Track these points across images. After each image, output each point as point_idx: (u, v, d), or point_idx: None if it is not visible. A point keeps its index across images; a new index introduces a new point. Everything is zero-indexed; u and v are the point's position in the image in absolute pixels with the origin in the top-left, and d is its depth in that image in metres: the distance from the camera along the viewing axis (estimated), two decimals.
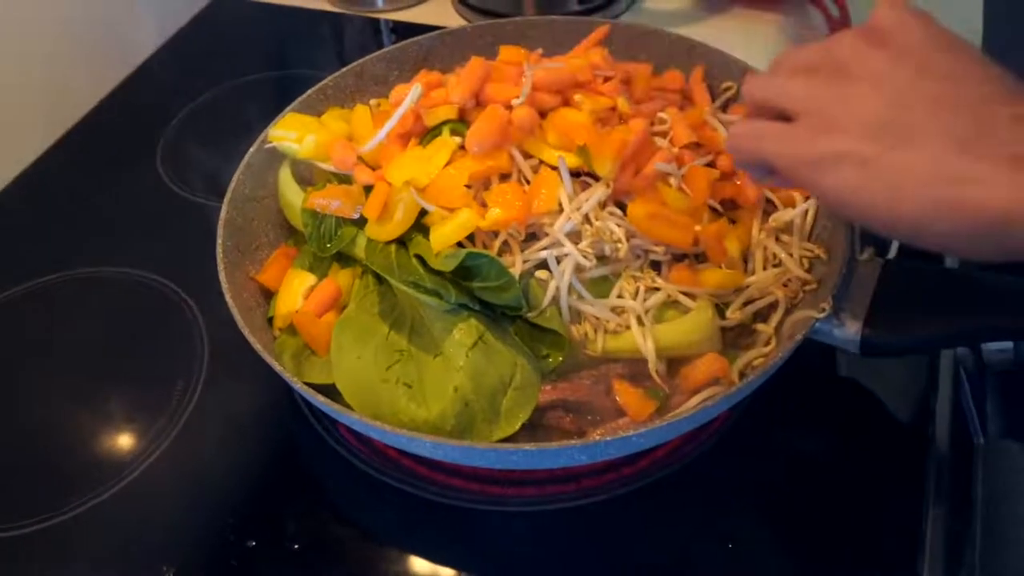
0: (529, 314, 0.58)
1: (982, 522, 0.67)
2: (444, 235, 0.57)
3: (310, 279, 0.62)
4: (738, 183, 0.64)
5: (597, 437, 0.53)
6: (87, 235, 0.80)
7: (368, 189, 0.62)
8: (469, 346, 0.55)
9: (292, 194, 0.66)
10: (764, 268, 0.62)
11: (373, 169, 0.63)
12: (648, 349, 0.57)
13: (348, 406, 0.54)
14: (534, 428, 0.56)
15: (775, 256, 0.62)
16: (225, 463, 0.63)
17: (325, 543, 0.57)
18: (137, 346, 0.70)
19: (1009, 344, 0.69)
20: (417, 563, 0.56)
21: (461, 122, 0.63)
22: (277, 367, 0.54)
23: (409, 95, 0.63)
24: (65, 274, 0.76)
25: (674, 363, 0.59)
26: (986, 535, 0.66)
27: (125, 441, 0.64)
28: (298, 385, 0.53)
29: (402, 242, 0.60)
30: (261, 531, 0.58)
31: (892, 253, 0.66)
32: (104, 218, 0.81)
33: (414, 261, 0.58)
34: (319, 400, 0.53)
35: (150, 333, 0.71)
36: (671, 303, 0.59)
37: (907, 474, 0.58)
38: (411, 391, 0.55)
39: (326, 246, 0.62)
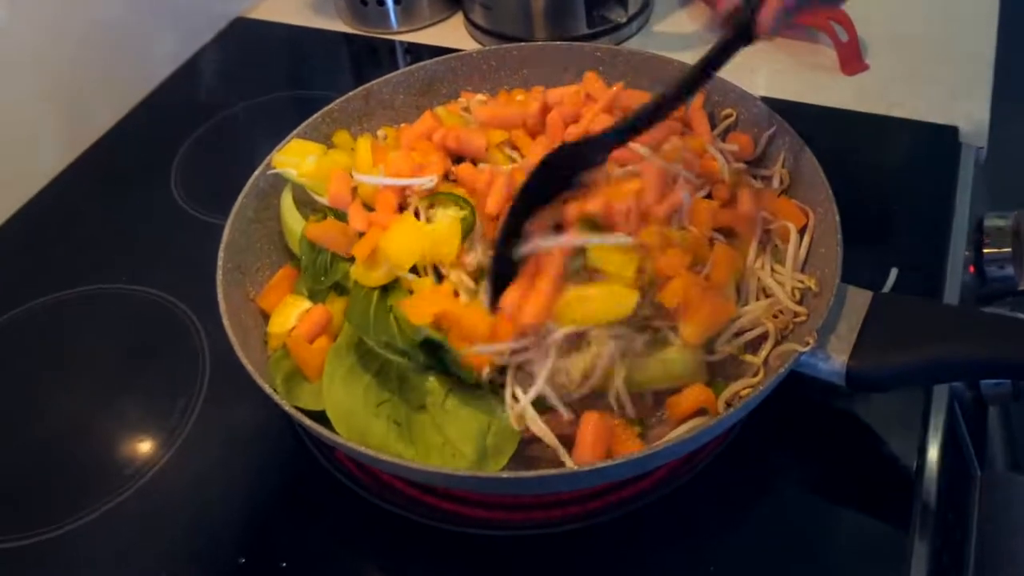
0: None
1: (976, 557, 0.67)
2: (419, 310, 0.58)
3: (305, 304, 0.64)
4: (736, 210, 0.64)
5: (575, 467, 0.53)
6: (101, 253, 0.82)
7: None
8: (444, 395, 0.57)
9: (293, 220, 0.68)
10: (757, 299, 0.62)
11: (370, 209, 0.64)
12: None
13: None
14: (519, 460, 0.57)
15: (768, 288, 0.62)
16: (221, 479, 0.64)
17: (314, 562, 0.58)
18: (142, 362, 0.72)
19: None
20: None
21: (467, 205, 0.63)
22: (271, 392, 0.56)
23: (420, 181, 0.64)
24: (78, 290, 0.78)
25: (661, 394, 0.59)
26: (979, 571, 0.66)
27: (125, 456, 0.66)
28: (291, 410, 0.55)
29: (387, 287, 0.62)
30: (252, 547, 0.59)
31: (888, 287, 0.66)
32: (118, 236, 0.84)
33: (391, 317, 0.59)
34: (309, 424, 0.54)
35: (155, 350, 0.73)
36: (660, 339, 0.59)
37: (894, 508, 0.58)
38: (400, 429, 0.56)
39: (320, 279, 0.64)
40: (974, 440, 0.71)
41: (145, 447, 0.66)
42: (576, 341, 0.56)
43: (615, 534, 0.58)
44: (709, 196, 0.66)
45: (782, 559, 0.57)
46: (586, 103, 0.71)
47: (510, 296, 0.55)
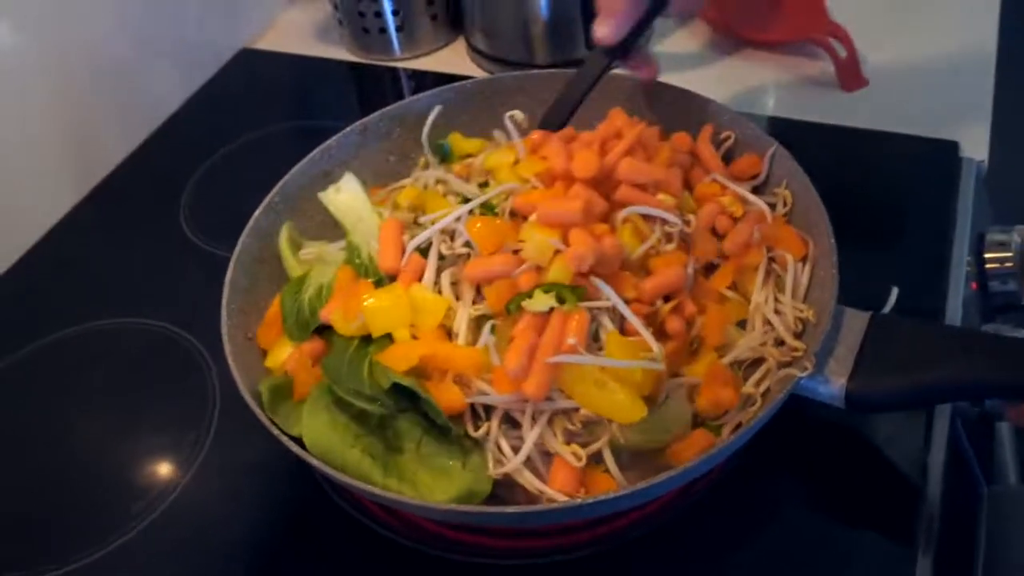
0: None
1: (984, 571, 0.67)
2: (400, 358, 0.58)
3: None
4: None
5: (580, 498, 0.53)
6: (112, 288, 0.84)
7: None
8: (419, 439, 0.58)
9: (289, 260, 0.70)
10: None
11: None
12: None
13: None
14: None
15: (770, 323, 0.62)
16: (231, 515, 0.65)
17: None
18: (153, 398, 0.73)
19: None
20: None
21: None
22: (276, 432, 0.56)
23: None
24: (91, 325, 0.80)
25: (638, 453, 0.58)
26: None
27: (134, 491, 0.67)
28: (295, 449, 0.56)
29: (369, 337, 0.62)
30: None
31: (889, 306, 0.66)
32: (128, 271, 0.85)
33: (365, 364, 0.60)
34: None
35: (166, 385, 0.74)
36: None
37: (899, 526, 0.59)
38: (375, 462, 0.56)
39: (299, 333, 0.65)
40: (980, 455, 0.71)
41: (155, 482, 0.67)
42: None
43: (620, 561, 0.59)
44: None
45: None
46: (613, 139, 0.69)
47: (514, 359, 0.55)
